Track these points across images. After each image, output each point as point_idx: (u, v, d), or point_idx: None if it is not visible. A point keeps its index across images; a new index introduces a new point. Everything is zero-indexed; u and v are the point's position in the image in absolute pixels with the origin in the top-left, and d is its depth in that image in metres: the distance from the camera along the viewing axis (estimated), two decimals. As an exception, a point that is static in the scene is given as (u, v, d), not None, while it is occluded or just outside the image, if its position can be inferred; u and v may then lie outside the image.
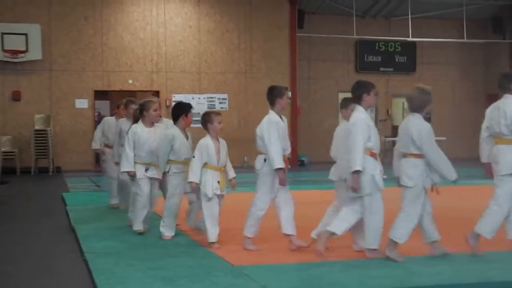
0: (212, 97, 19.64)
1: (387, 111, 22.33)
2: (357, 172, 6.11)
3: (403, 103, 23.03)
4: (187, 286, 5.31)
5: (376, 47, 22.47)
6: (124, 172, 7.90)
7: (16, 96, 18.42)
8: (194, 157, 6.95)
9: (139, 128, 7.76)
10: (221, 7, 20.00)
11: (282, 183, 6.63)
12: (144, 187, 7.70)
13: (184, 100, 19.49)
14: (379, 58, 22.51)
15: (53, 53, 18.65)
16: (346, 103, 7.02)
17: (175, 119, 7.53)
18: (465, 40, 21.98)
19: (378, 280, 5.44)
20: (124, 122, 8.98)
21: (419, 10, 21.78)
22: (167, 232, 7.40)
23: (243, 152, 18.03)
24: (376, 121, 22.77)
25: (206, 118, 7.13)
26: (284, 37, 20.39)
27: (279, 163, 6.53)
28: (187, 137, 7.51)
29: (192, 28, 19.80)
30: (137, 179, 7.73)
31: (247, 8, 20.18)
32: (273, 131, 6.63)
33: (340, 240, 6.94)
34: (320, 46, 21.87)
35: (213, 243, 6.85)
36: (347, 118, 6.74)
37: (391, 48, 22.57)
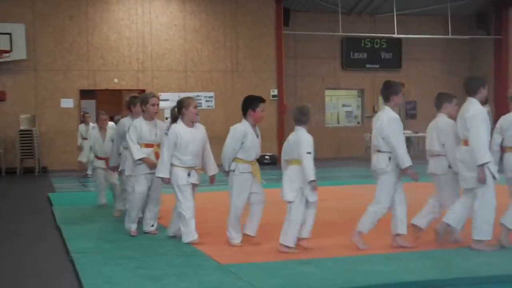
0: (198, 96, 19.60)
1: (373, 108, 22.39)
2: (483, 164, 6.23)
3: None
4: (175, 284, 5.30)
5: (362, 44, 22.53)
6: (159, 177, 7.13)
7: (1, 96, 18.28)
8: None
9: (181, 128, 7.00)
10: (207, 5, 19.96)
11: (414, 177, 6.51)
12: (189, 195, 6.99)
13: (170, 99, 19.53)
14: (365, 55, 22.57)
15: (38, 52, 18.53)
16: (447, 97, 7.05)
17: (244, 113, 6.98)
18: (450, 36, 22.07)
19: (366, 276, 5.45)
20: (128, 121, 8.25)
21: (404, 7, 21.85)
22: (237, 236, 6.88)
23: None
24: (362, 118, 22.88)
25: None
26: (270, 35, 20.39)
27: (409, 161, 6.48)
28: (257, 135, 6.97)
29: (177, 26, 19.75)
30: (179, 186, 6.97)
31: (232, 6, 20.16)
32: (397, 129, 6.54)
33: (329, 237, 6.96)
34: (306, 43, 21.89)
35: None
36: (452, 112, 6.87)
37: (376, 45, 22.64)
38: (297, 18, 21.56)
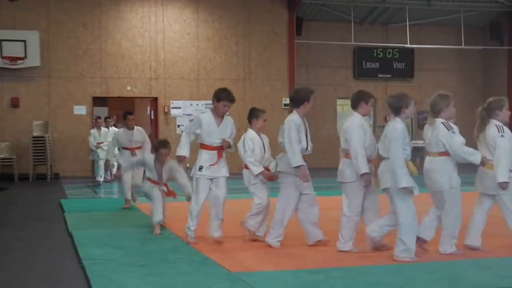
0: (210, 104, 19.57)
1: (385, 118, 22.33)
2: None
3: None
4: (185, 292, 5.30)
5: (374, 54, 22.52)
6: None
7: (14, 103, 18.42)
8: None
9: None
10: (220, 14, 20.03)
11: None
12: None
13: (182, 107, 19.59)
14: (377, 65, 22.55)
15: (51, 59, 18.67)
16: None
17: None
18: (463, 46, 22.02)
19: (376, 287, 5.43)
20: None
21: (416, 17, 21.83)
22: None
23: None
24: (374, 128, 22.82)
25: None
26: (282, 44, 20.43)
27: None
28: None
29: (190, 34, 19.82)
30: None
31: (245, 15, 20.22)
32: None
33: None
34: (318, 52, 21.90)
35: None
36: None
37: (389, 54, 22.61)
38: (310, 27, 21.58)
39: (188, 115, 19.54)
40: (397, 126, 6.39)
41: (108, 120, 17.35)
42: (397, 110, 6.50)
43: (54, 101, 18.76)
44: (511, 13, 22.23)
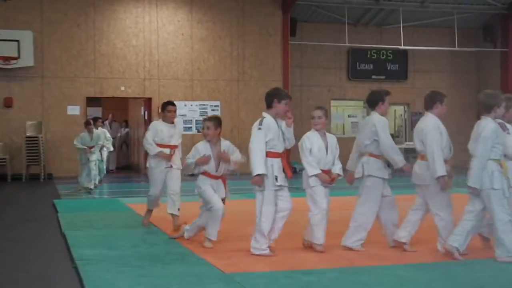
0: (204, 104, 19.65)
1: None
2: None
3: (395, 110, 23.13)
4: (178, 293, 5.30)
5: (368, 55, 22.56)
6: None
7: (8, 103, 18.37)
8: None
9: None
10: (214, 15, 20.03)
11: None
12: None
13: (177, 107, 19.54)
14: (371, 66, 22.60)
15: (45, 59, 18.62)
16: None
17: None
18: (456, 48, 22.10)
19: (369, 288, 5.45)
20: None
21: (410, 18, 21.89)
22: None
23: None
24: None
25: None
26: (276, 45, 20.45)
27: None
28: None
29: (184, 35, 19.82)
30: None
31: (239, 16, 20.23)
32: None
33: (332, 248, 6.95)
34: (312, 53, 21.94)
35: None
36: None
37: (383, 56, 22.66)
38: (304, 28, 21.61)
39: (182, 115, 19.55)
40: (488, 125, 6.35)
41: (99, 121, 15.88)
42: (488, 109, 6.45)
43: (48, 101, 18.72)
44: (504, 15, 22.32)
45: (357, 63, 22.48)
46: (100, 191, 14.79)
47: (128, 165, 22.62)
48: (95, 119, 15.63)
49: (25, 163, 17.93)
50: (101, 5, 19.18)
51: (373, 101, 7.17)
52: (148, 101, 19.82)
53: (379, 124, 6.98)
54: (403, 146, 19.00)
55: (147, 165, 8.86)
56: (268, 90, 7.09)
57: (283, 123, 6.90)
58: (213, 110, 19.75)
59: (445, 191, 6.66)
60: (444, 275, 5.92)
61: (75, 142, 14.91)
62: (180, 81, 19.76)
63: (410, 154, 14.68)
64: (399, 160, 6.94)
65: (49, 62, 18.68)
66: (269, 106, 6.87)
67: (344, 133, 22.79)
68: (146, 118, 20.17)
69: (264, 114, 6.86)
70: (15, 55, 17.85)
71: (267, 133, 6.70)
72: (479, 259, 6.52)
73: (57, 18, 18.78)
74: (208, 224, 7.28)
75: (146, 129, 19.48)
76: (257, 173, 6.59)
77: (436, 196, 6.71)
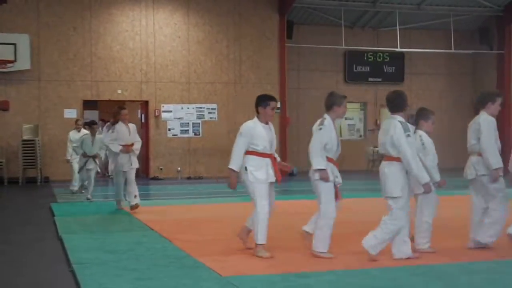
0: (201, 107, 19.66)
1: (376, 121, 22.40)
2: None
3: (391, 113, 23.14)
4: (175, 296, 5.29)
5: (365, 58, 22.60)
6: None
7: (4, 106, 18.35)
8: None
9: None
10: (210, 18, 20.05)
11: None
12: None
13: (173, 111, 19.58)
14: (368, 69, 22.64)
15: (41, 63, 18.61)
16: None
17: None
18: (452, 50, 22.14)
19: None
20: None
21: (407, 21, 21.93)
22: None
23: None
24: (364, 131, 22.88)
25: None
26: (273, 48, 20.47)
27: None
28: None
29: (181, 38, 19.83)
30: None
31: (236, 19, 20.24)
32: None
33: (329, 251, 6.95)
34: (309, 56, 21.96)
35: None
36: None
37: (379, 58, 22.71)
38: (300, 31, 21.63)
39: (179, 118, 19.55)
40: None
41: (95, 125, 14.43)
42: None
43: (44, 104, 18.71)
44: (500, 17, 22.37)
45: (354, 65, 22.51)
46: (96, 195, 14.75)
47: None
48: (93, 123, 14.53)
49: (22, 167, 17.90)
50: (97, 8, 19.18)
51: (482, 101, 7.24)
52: (145, 104, 19.82)
53: (484, 123, 7.06)
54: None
55: None
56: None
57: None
58: (210, 112, 19.77)
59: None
60: (440, 277, 5.92)
61: (74, 145, 14.21)
62: (177, 84, 19.75)
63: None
64: (492, 162, 6.96)
65: (45, 65, 18.67)
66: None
67: (341, 135, 22.81)
68: (143, 121, 20.17)
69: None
70: (12, 58, 17.83)
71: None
72: (472, 262, 6.52)
73: (53, 22, 18.78)
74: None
75: (143, 133, 19.59)
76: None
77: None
